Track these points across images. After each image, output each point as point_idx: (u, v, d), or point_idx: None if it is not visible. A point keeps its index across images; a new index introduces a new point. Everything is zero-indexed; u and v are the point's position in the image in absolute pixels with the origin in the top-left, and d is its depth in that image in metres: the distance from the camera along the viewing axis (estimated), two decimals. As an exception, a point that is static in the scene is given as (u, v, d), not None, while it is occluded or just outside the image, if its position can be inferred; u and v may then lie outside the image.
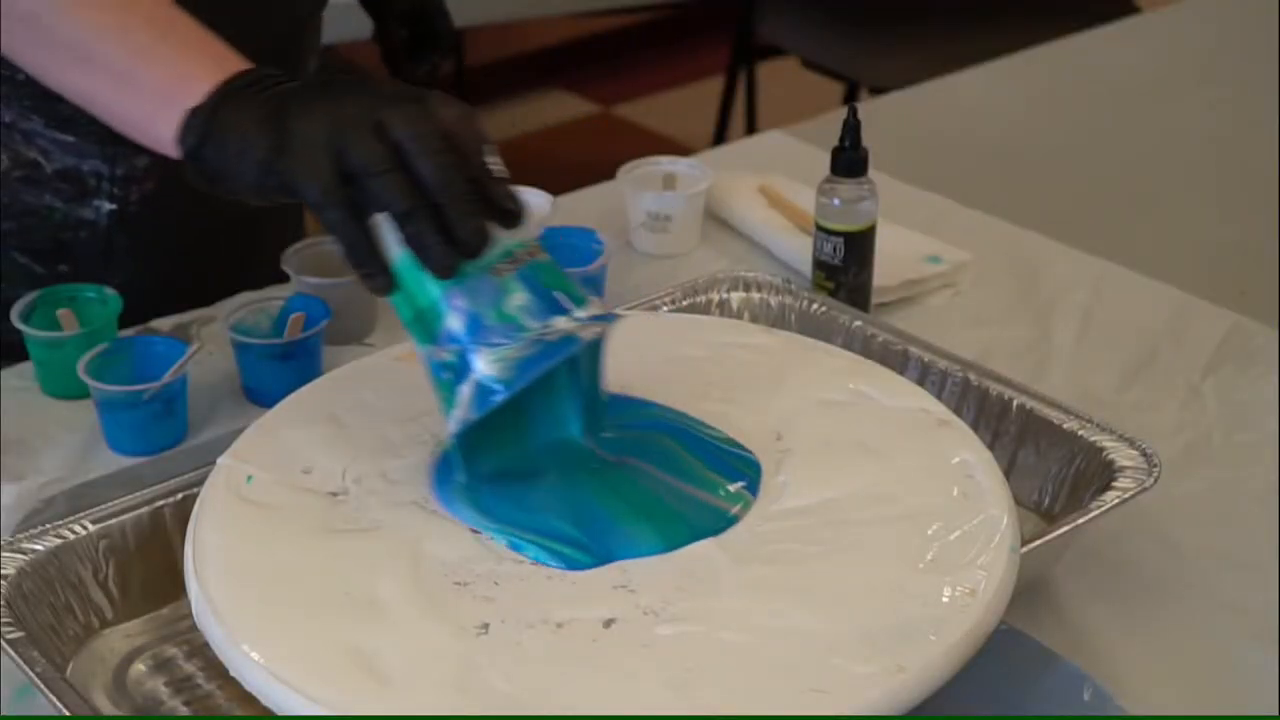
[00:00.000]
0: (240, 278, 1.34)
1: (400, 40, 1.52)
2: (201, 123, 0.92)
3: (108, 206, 1.29)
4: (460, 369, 0.89)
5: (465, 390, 0.89)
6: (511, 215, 0.89)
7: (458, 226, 0.87)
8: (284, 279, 1.30)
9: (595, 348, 0.94)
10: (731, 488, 0.94)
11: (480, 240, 0.87)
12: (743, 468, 0.96)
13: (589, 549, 0.89)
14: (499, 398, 0.89)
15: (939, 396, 1.08)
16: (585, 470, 0.95)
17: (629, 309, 1.20)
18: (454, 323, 0.89)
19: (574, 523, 0.91)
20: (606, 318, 0.93)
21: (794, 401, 1.02)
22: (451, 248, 0.87)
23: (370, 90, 0.90)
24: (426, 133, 0.87)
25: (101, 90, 0.98)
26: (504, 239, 0.89)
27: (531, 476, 0.94)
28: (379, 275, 0.89)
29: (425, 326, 0.90)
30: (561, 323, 0.90)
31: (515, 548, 0.90)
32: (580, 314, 0.91)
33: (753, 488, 0.94)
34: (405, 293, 0.90)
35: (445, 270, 0.87)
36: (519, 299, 0.89)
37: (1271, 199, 1.66)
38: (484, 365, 0.89)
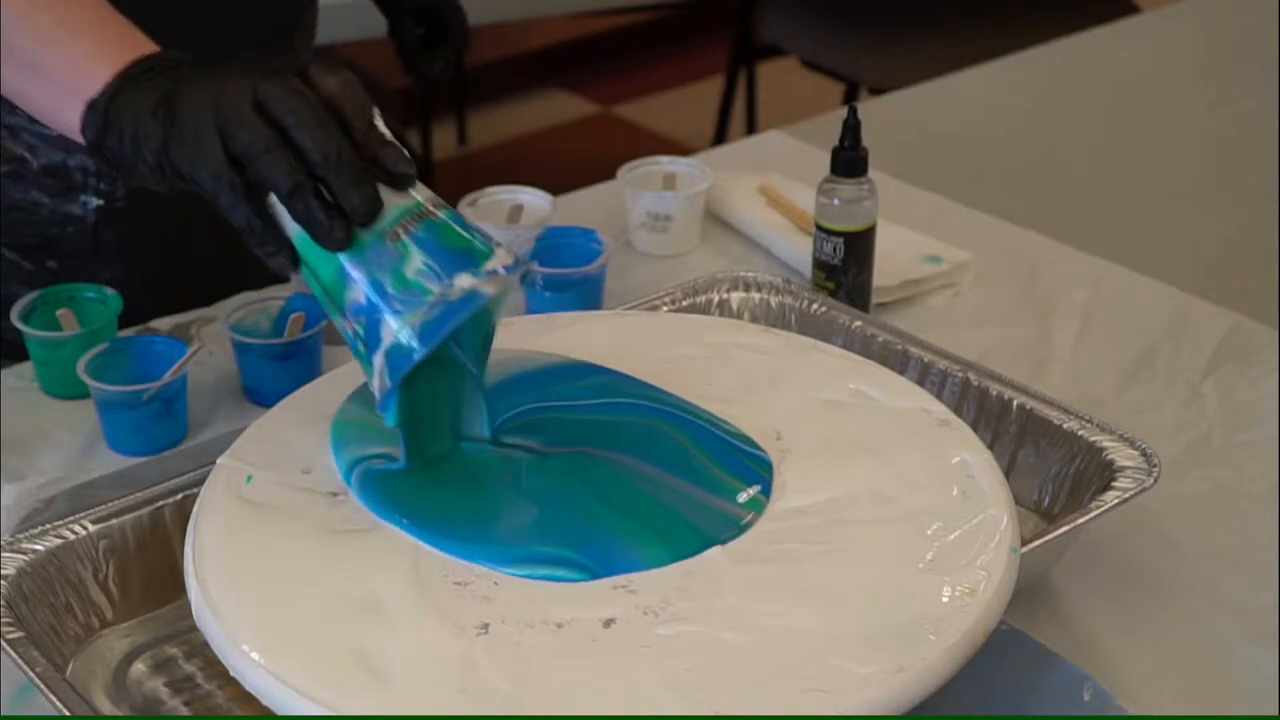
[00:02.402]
0: (236, 277, 1.34)
1: (414, 37, 1.52)
2: (99, 116, 0.91)
3: (94, 202, 1.29)
4: (370, 339, 0.89)
5: (378, 360, 0.89)
6: (402, 177, 0.89)
7: (345, 197, 0.86)
8: (284, 279, 1.30)
9: (499, 300, 0.92)
10: (746, 494, 0.93)
11: (370, 208, 0.87)
12: (756, 467, 0.95)
13: (590, 569, 0.87)
14: (410, 362, 0.88)
15: (939, 396, 1.08)
16: (571, 479, 0.93)
17: (629, 309, 1.20)
18: (357, 294, 0.88)
19: (568, 544, 0.89)
20: (513, 267, 0.91)
21: (794, 401, 1.01)
22: (342, 219, 0.87)
23: (252, 69, 0.89)
24: (304, 106, 0.87)
25: (13, 78, 0.97)
26: (399, 202, 0.89)
27: (495, 497, 0.93)
28: (279, 254, 0.89)
29: (333, 300, 0.90)
30: (463, 280, 0.88)
31: (510, 573, 0.88)
32: (486, 267, 0.89)
33: (767, 491, 0.93)
34: (309, 268, 0.90)
35: (335, 243, 0.87)
36: (417, 262, 0.88)
37: (1271, 199, 1.65)
38: (391, 333, 0.88)
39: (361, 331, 0.89)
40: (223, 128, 0.87)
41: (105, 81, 0.91)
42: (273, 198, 0.88)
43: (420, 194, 0.90)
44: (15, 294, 1.27)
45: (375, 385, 0.90)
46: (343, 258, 0.88)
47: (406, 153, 0.89)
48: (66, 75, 0.93)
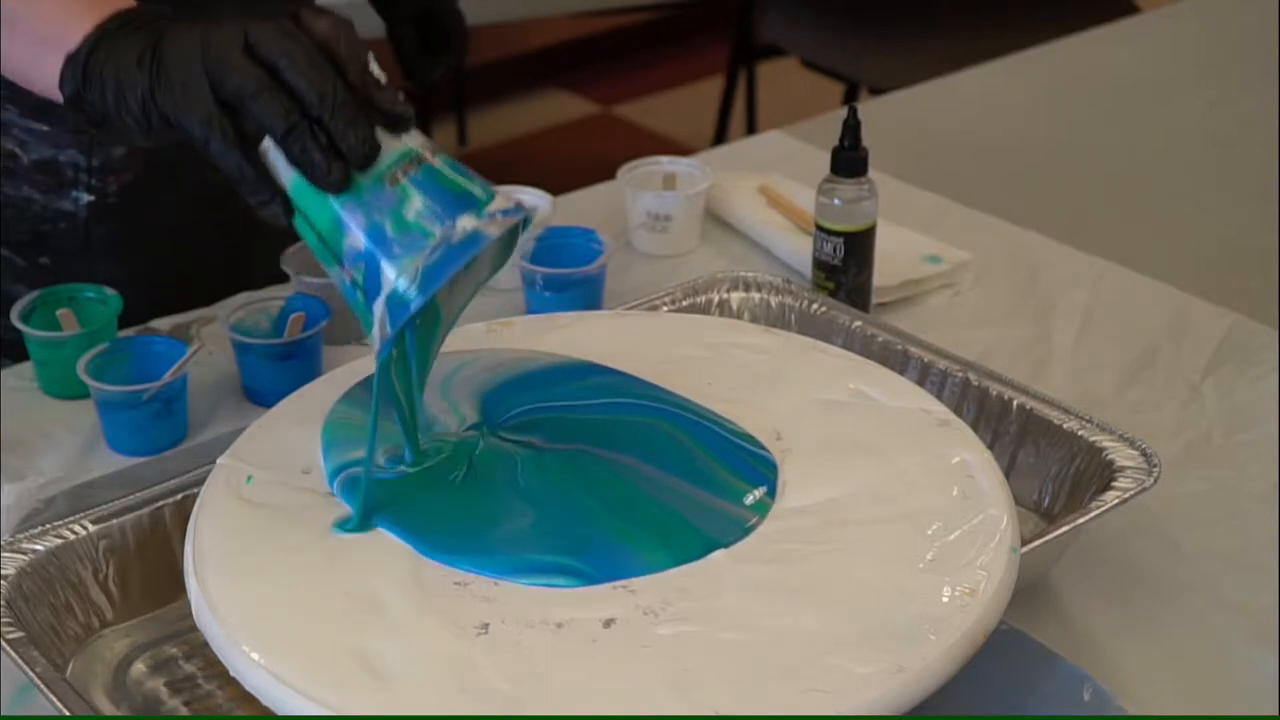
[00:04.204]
0: (236, 277, 1.34)
1: (413, 42, 1.51)
2: (78, 69, 0.90)
3: (86, 198, 1.29)
4: (370, 287, 0.87)
5: (379, 308, 0.86)
6: (399, 119, 0.87)
7: (342, 137, 0.85)
8: (284, 279, 1.30)
9: (505, 242, 0.91)
10: (753, 496, 0.92)
11: (367, 148, 0.85)
12: (761, 468, 0.95)
13: (590, 576, 0.87)
14: (412, 308, 0.86)
15: (939, 396, 1.08)
16: (570, 479, 0.93)
17: (629, 309, 1.20)
18: (355, 240, 0.86)
19: (568, 551, 0.88)
20: (513, 211, 0.89)
21: (794, 401, 1.01)
22: (339, 161, 0.85)
23: (241, 17, 0.88)
24: (297, 47, 0.85)
25: None
26: (395, 146, 0.87)
27: (491, 500, 0.92)
28: (272, 202, 0.87)
29: (330, 249, 0.88)
30: (465, 221, 0.87)
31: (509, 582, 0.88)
32: (488, 209, 0.88)
33: (772, 492, 0.93)
34: (304, 217, 0.88)
35: (333, 185, 0.85)
36: (417, 204, 0.86)
37: (1271, 199, 1.66)
38: (392, 278, 0.86)
39: (360, 279, 0.87)
40: (212, 71, 0.86)
41: (84, 34, 0.90)
42: (265, 145, 0.87)
43: (415, 140, 0.89)
44: (9, 291, 1.27)
45: (375, 334, 0.87)
46: (340, 204, 0.86)
47: (402, 95, 0.88)
48: (45, 29, 0.92)
